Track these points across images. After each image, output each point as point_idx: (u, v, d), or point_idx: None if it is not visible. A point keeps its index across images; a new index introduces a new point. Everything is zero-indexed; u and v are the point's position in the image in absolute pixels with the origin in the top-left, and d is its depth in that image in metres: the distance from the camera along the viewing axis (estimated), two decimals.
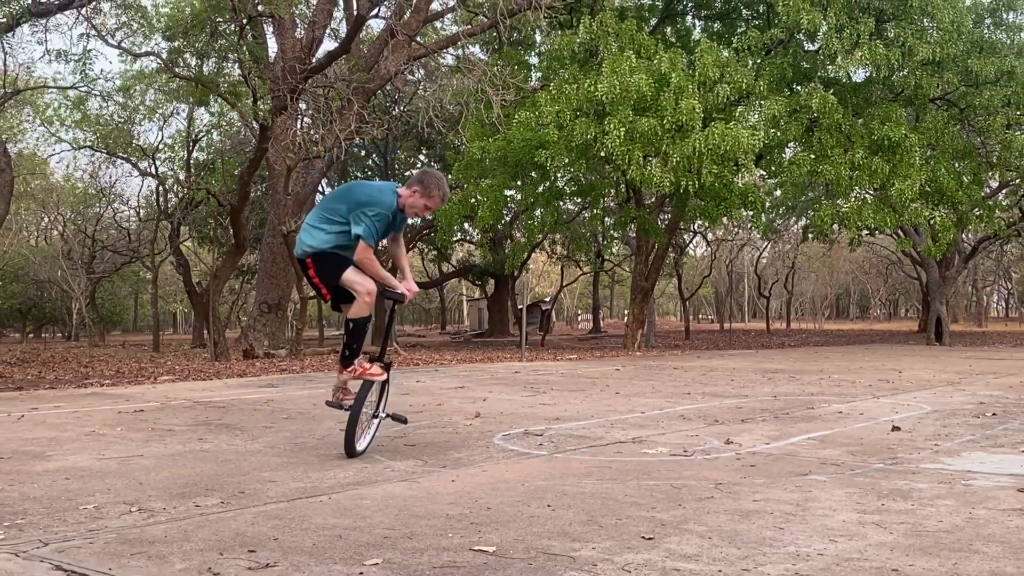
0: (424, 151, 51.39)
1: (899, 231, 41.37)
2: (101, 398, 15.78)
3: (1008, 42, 34.17)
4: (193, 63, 30.35)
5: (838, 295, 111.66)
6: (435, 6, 34.12)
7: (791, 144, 34.78)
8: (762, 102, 31.47)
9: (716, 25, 37.69)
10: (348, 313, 9.16)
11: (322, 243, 8.83)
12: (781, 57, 33.05)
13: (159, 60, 31.44)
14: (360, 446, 9.07)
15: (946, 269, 45.59)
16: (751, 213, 35.87)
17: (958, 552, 5.40)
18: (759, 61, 32.88)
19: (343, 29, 32.90)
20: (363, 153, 49.90)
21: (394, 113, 43.07)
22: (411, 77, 39.49)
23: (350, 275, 8.76)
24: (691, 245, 68.66)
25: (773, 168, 36.42)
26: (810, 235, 42.37)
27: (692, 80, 29.66)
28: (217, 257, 45.46)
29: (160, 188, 49.19)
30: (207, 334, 36.19)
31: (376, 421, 9.52)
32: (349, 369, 9.02)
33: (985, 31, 33.83)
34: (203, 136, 49.99)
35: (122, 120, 45.62)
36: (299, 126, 32.99)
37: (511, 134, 31.65)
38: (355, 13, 30.53)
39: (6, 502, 6.95)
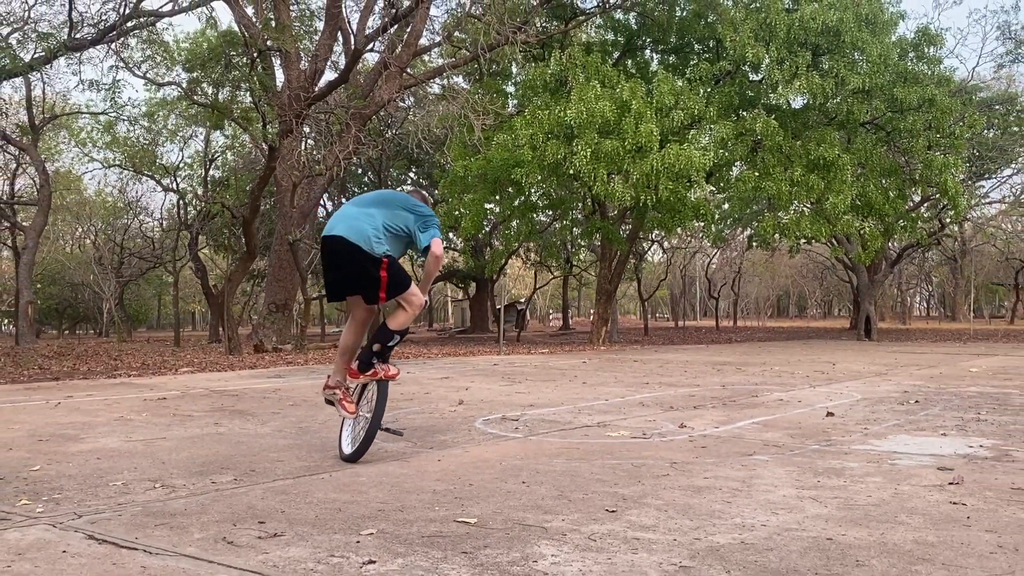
0: (414, 169, 51.36)
1: (833, 240, 41.47)
2: (129, 387, 15.75)
3: (929, 73, 34.23)
4: (210, 92, 30.32)
5: (779, 296, 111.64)
6: (423, 41, 34.14)
7: (738, 163, 34.79)
8: (712, 126, 31.55)
9: (671, 58, 37.69)
10: (396, 324, 8.25)
11: (395, 253, 8.11)
12: (729, 86, 33.10)
13: (180, 89, 31.42)
14: (348, 449, 8.07)
15: (874, 273, 45.68)
16: (702, 224, 35.96)
17: (885, 523, 5.41)
18: (709, 90, 32.89)
19: (342, 62, 32.85)
20: (360, 171, 49.86)
21: (387, 136, 42.98)
22: (402, 104, 39.44)
23: (415, 288, 8.21)
24: (649, 252, 68.71)
25: (722, 184, 36.46)
26: (754, 243, 42.46)
27: (650, 107, 29.69)
28: (231, 263, 45.56)
29: (181, 202, 49.27)
30: (222, 331, 36.08)
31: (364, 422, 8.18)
32: (369, 373, 8.14)
33: (909, 63, 33.89)
34: (219, 156, 50.10)
35: (147, 142, 45.64)
36: (303, 147, 33.01)
37: (490, 154, 31.63)
38: (353, 48, 30.53)
39: (45, 479, 6.95)
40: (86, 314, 72.81)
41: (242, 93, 31.11)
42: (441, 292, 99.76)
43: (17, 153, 45.56)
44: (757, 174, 31.98)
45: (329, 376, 8.54)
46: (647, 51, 38.80)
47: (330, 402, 8.51)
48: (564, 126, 29.47)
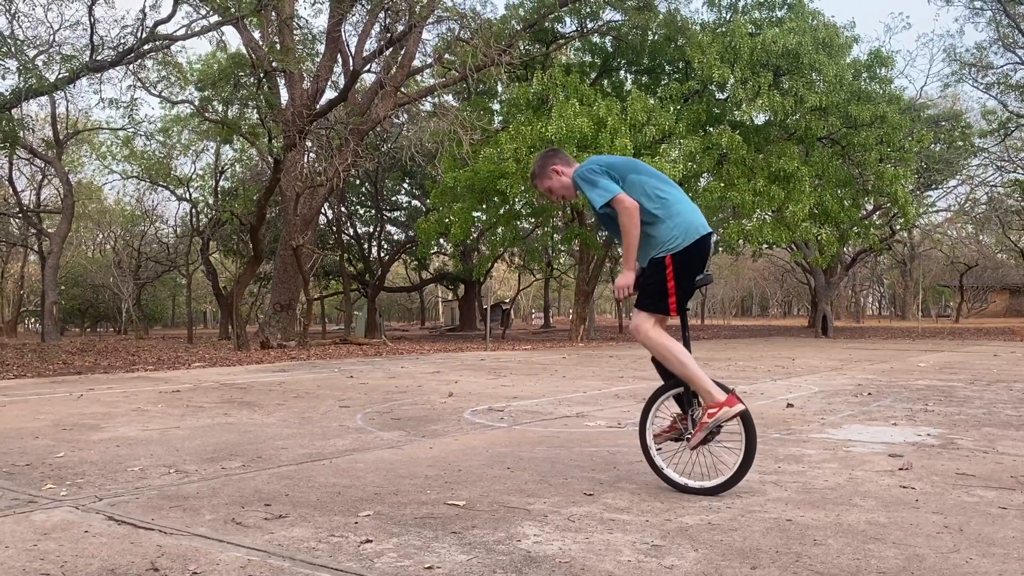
0: (407, 180, 51.40)
1: (793, 245, 41.51)
2: (145, 381, 15.71)
3: (881, 92, 34.39)
4: (220, 109, 30.24)
5: (743, 297, 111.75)
6: (416, 63, 34.14)
7: (705, 175, 34.85)
8: (681, 140, 31.58)
9: (644, 78, 37.74)
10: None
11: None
12: (697, 104, 33.17)
13: (192, 106, 31.34)
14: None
15: (831, 276, 45.75)
16: None
17: (840, 505, 5.42)
18: (679, 107, 32.96)
19: (342, 81, 32.82)
20: (358, 182, 49.83)
21: (383, 150, 43.01)
22: (397, 120, 39.44)
23: None
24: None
25: (690, 194, 36.42)
26: (720, 248, 42.47)
27: (624, 123, 29.74)
28: (239, 266, 45.52)
29: (193, 210, 49.34)
30: (231, 329, 36.04)
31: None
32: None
33: (862, 83, 34.02)
34: (228, 168, 50.13)
35: (162, 155, 45.74)
36: (306, 160, 32.94)
37: (478, 166, 31.67)
38: (351, 69, 30.49)
39: (68, 465, 6.94)
40: (106, 313, 72.77)
41: (250, 110, 31.06)
42: (432, 293, 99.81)
43: (43, 165, 45.58)
44: (723, 185, 32.05)
45: (707, 412, 5.90)
46: (622, 72, 38.87)
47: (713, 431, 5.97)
48: (545, 141, 29.47)
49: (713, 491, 5.88)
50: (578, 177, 6.32)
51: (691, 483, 6.01)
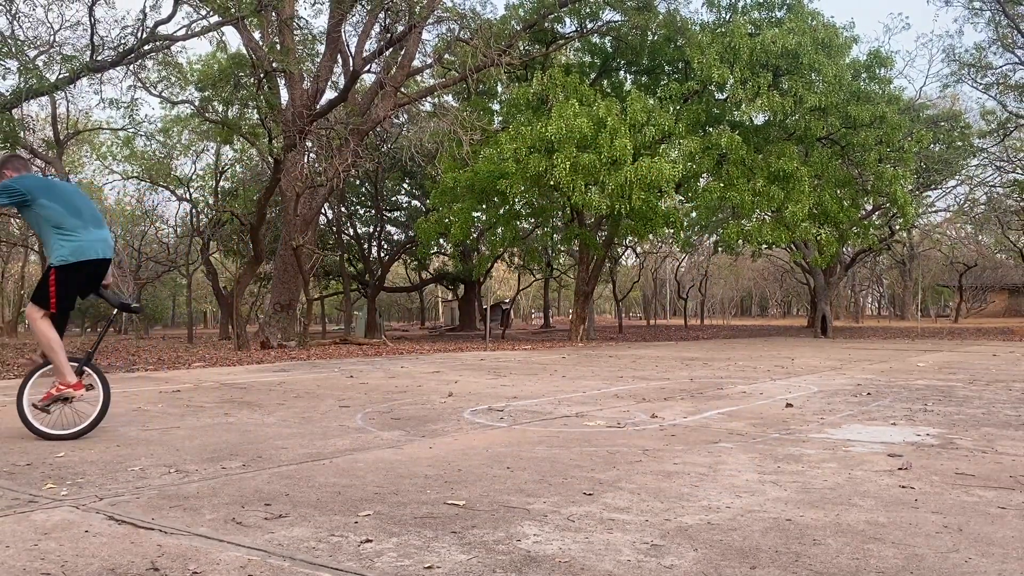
0: (407, 181, 51.35)
1: (792, 245, 41.49)
2: (146, 381, 15.69)
3: (880, 92, 34.44)
4: (220, 109, 30.23)
5: (742, 297, 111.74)
6: (416, 63, 34.13)
7: (704, 175, 34.89)
8: (681, 141, 31.64)
9: (644, 79, 37.75)
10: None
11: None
12: (696, 104, 33.21)
13: (193, 107, 31.34)
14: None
15: (830, 276, 45.71)
16: (672, 231, 35.95)
17: (840, 505, 5.42)
18: (678, 108, 32.99)
19: (342, 82, 32.83)
20: (358, 182, 49.81)
21: (383, 150, 43.01)
22: (397, 120, 39.46)
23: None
24: (623, 256, 68.70)
25: (690, 194, 36.54)
26: (720, 248, 42.45)
27: (624, 123, 29.78)
28: (239, 266, 45.50)
29: (193, 210, 49.22)
30: (231, 329, 36.02)
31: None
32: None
33: (861, 83, 34.07)
34: (228, 168, 50.09)
35: (162, 155, 45.73)
36: (306, 160, 32.93)
37: (478, 167, 31.72)
38: (351, 69, 30.51)
39: (68, 465, 6.93)
40: (106, 313, 72.73)
41: (250, 111, 31.06)
42: (432, 293, 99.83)
43: (44, 166, 45.55)
44: (722, 185, 32.10)
45: (57, 386, 8.36)
46: (621, 72, 38.90)
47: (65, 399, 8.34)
48: (545, 141, 29.53)
49: (74, 436, 8.17)
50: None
51: (55, 431, 8.19)
